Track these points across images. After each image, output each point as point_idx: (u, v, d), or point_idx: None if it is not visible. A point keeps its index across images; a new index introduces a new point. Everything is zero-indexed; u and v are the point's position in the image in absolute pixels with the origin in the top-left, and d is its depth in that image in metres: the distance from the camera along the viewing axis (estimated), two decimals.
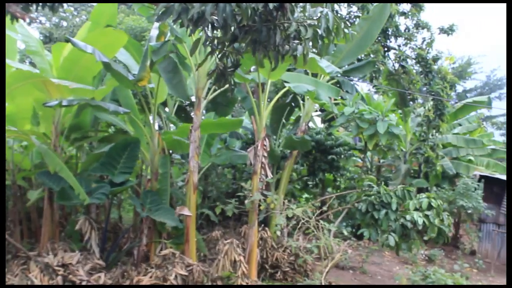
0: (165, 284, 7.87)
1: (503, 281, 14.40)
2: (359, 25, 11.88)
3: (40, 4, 5.46)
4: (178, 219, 8.91)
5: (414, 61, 15.53)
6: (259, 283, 8.81)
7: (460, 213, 16.97)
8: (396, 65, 15.10)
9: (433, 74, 15.18)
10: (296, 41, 5.30)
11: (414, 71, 15.45)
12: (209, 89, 9.48)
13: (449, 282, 9.36)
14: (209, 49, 5.68)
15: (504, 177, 17.91)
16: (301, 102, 12.50)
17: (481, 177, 17.24)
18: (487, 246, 17.29)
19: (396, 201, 11.01)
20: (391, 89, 15.13)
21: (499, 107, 40.70)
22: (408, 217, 10.50)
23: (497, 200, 17.55)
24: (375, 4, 12.35)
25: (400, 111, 15.70)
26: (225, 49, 5.69)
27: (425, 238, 11.73)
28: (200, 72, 9.03)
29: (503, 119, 39.05)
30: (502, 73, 40.96)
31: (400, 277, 10.22)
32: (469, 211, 16.08)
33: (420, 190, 15.53)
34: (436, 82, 15.20)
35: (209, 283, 8.36)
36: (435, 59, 15.61)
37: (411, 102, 16.10)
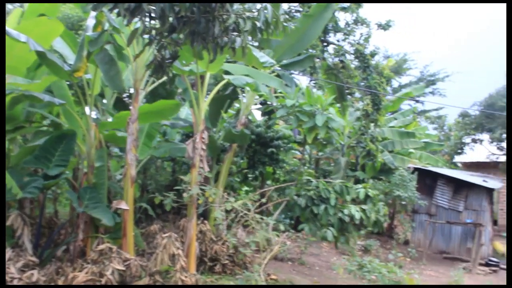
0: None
1: (434, 268, 15.03)
2: (301, 21, 11.96)
3: None
4: (114, 218, 8.71)
5: (352, 56, 15.87)
6: (198, 276, 8.76)
7: (395, 204, 17.54)
8: (335, 60, 15.38)
9: (370, 69, 15.57)
10: (235, 33, 5.27)
11: (353, 65, 15.79)
12: (147, 80, 9.30)
13: (384, 271, 9.66)
14: (147, 40, 5.56)
15: (436, 169, 18.66)
16: (241, 94, 12.49)
17: (415, 169, 17.87)
18: (420, 235, 17.97)
19: (335, 196, 11.22)
20: (330, 82, 15.40)
21: (432, 101, 42.20)
22: (346, 211, 10.73)
23: (429, 191, 18.28)
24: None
25: (338, 105, 15.99)
26: (163, 40, 5.59)
27: (362, 232, 12.05)
28: (138, 63, 8.83)
29: (436, 113, 40.55)
30: (434, 68, 42.46)
31: (337, 267, 10.45)
32: (404, 202, 16.66)
33: (357, 182, 15.90)
34: (373, 77, 15.59)
35: (147, 278, 8.24)
36: (373, 54, 16.01)
37: (349, 96, 16.45)
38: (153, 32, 5.40)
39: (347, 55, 15.46)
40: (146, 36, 5.39)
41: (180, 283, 8.22)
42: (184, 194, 9.25)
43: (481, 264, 16.12)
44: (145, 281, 8.17)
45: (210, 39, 5.19)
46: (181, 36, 5.41)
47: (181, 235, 9.52)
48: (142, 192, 13.60)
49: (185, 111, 13.64)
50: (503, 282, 14.63)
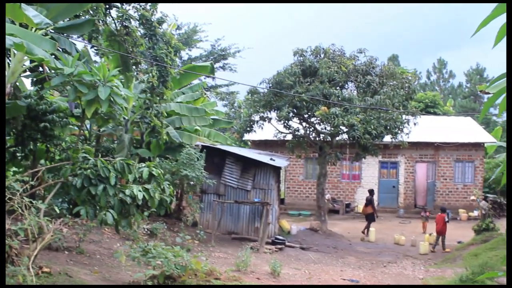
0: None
1: (222, 250, 15.81)
2: None
3: None
4: None
5: (138, 22, 15.63)
6: None
7: (183, 184, 17.91)
8: (119, 26, 14.98)
9: (157, 38, 15.54)
10: None
11: (138, 33, 15.57)
12: None
13: (170, 255, 9.83)
14: None
15: (225, 147, 19.51)
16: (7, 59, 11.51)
17: (203, 147, 18.44)
18: (208, 216, 18.72)
19: (115, 175, 10.98)
20: (113, 51, 15.00)
21: (222, 77, 43.90)
22: (127, 191, 10.57)
23: (218, 170, 19.07)
24: None
25: (122, 76, 15.69)
26: None
27: (146, 213, 12.04)
28: None
29: (226, 89, 42.37)
30: (226, 43, 44.21)
31: (119, 254, 10.32)
32: (192, 182, 17.11)
33: (142, 161, 15.85)
34: (160, 46, 15.60)
35: None
36: (160, 22, 15.98)
37: (134, 67, 16.23)
38: None
39: (132, 21, 15.16)
40: None
41: None
42: None
43: (268, 243, 17.42)
44: None
45: None
46: None
47: None
48: None
49: None
50: (288, 259, 16.07)
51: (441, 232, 20.03)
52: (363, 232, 23.01)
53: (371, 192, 24.36)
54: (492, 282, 12.29)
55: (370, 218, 23.34)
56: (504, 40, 2.15)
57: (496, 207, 26.84)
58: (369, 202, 23.67)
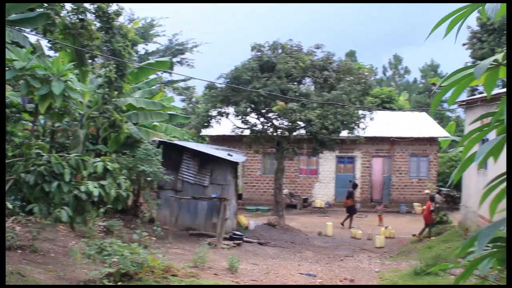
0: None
1: (180, 246, 15.77)
2: None
3: None
4: None
5: (94, 15, 15.38)
6: None
7: (140, 180, 17.75)
8: (74, 19, 14.71)
9: (114, 31, 15.32)
10: None
11: (95, 26, 15.32)
12: None
13: (126, 252, 9.77)
14: None
15: (182, 143, 19.43)
16: None
17: (160, 143, 18.31)
18: (166, 212, 18.60)
19: (70, 171, 10.79)
20: (67, 45, 14.72)
21: (180, 72, 43.68)
22: (82, 188, 10.41)
23: (175, 166, 18.97)
24: None
25: (77, 70, 15.43)
26: None
27: (102, 210, 11.90)
28: None
29: (184, 84, 42.15)
30: (183, 37, 43.92)
31: (74, 252, 10.19)
32: (149, 178, 16.96)
33: (98, 156, 15.63)
34: (117, 39, 15.39)
35: None
36: (117, 14, 15.75)
37: (90, 61, 15.97)
38: None
39: (88, 13, 14.89)
40: None
41: None
42: None
43: (225, 238, 17.46)
44: None
45: None
46: None
47: None
48: None
49: None
50: (246, 254, 16.14)
51: (425, 220, 20.34)
52: (342, 224, 23.77)
53: (354, 185, 24.95)
54: (445, 274, 12.66)
55: (351, 210, 24.17)
56: (453, 36, 2.21)
57: (450, 200, 27.54)
58: (350, 195, 24.45)
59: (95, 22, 15.42)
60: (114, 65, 15.81)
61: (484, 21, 31.57)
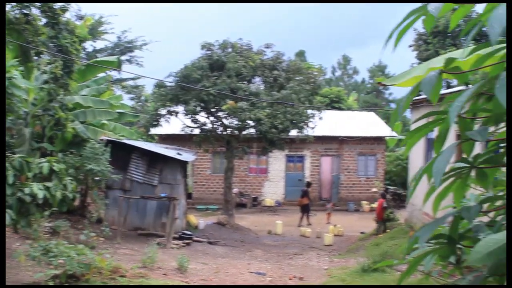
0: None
1: (129, 246, 15.57)
2: None
3: None
4: None
5: (39, 10, 15.00)
6: None
7: (87, 180, 17.42)
8: (18, 14, 14.31)
9: (60, 27, 14.98)
10: None
11: (40, 22, 14.95)
12: None
13: (73, 253, 9.58)
14: None
15: (130, 142, 19.19)
16: None
17: (108, 141, 18.02)
18: (114, 212, 18.31)
19: (13, 173, 10.50)
20: (11, 41, 14.31)
21: (128, 70, 43.18)
22: (27, 190, 10.13)
23: (124, 165, 18.71)
24: None
25: (22, 67, 15.04)
26: None
27: (47, 212, 11.62)
28: None
29: (133, 82, 41.65)
30: (132, 35, 43.35)
31: (18, 254, 9.93)
32: (97, 178, 16.67)
33: (45, 156, 15.28)
34: (64, 35, 15.05)
35: None
36: (63, 10, 15.41)
37: (36, 57, 15.57)
38: None
39: (33, 8, 14.50)
40: None
41: None
42: None
43: (175, 238, 17.33)
44: None
45: None
46: None
47: None
48: None
49: None
50: (196, 254, 16.08)
51: (378, 217, 20.64)
52: (299, 226, 23.84)
53: (308, 184, 25.29)
54: (391, 270, 12.95)
55: (305, 209, 24.58)
56: (402, 40, 2.24)
57: (396, 198, 28.22)
58: (304, 193, 24.86)
59: (40, 17, 15.03)
60: (61, 62, 15.46)
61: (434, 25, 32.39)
